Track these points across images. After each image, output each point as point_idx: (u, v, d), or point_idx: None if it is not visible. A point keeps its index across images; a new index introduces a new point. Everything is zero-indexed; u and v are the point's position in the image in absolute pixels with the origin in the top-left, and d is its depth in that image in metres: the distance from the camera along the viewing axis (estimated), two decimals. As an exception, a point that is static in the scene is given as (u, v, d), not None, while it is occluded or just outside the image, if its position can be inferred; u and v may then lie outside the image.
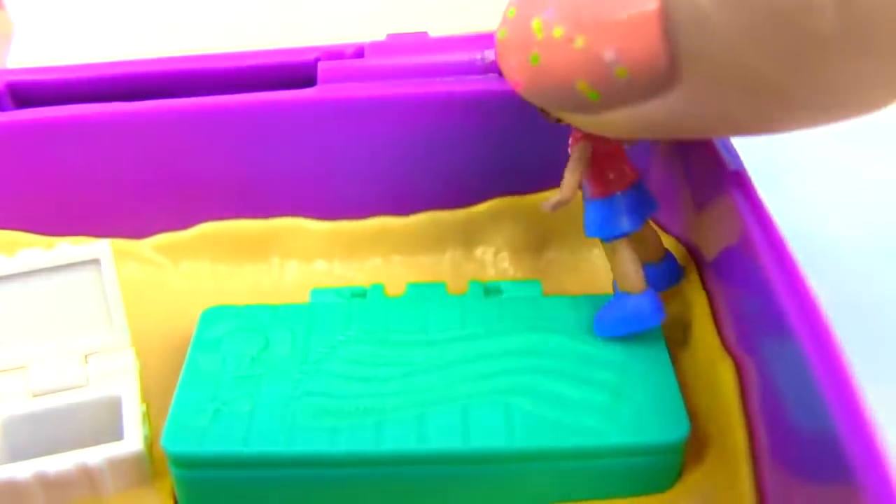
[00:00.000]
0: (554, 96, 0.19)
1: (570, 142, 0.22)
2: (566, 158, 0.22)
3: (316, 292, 0.25)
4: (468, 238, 0.28)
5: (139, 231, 0.27)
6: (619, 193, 0.22)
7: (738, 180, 0.22)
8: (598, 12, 0.17)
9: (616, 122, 0.19)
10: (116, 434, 0.23)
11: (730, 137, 0.23)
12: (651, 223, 0.24)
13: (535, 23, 0.18)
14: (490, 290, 0.25)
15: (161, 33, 0.33)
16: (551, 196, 0.23)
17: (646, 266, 0.23)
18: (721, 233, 0.23)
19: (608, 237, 0.22)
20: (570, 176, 0.22)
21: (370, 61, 0.26)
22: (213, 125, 0.26)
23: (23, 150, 0.27)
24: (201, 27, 0.33)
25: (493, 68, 0.26)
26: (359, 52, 0.26)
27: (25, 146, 0.27)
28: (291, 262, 0.28)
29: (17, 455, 0.22)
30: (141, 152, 0.27)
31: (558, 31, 0.18)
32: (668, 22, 0.16)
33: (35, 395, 0.23)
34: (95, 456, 0.22)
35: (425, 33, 0.27)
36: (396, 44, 0.26)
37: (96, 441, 0.23)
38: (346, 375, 0.22)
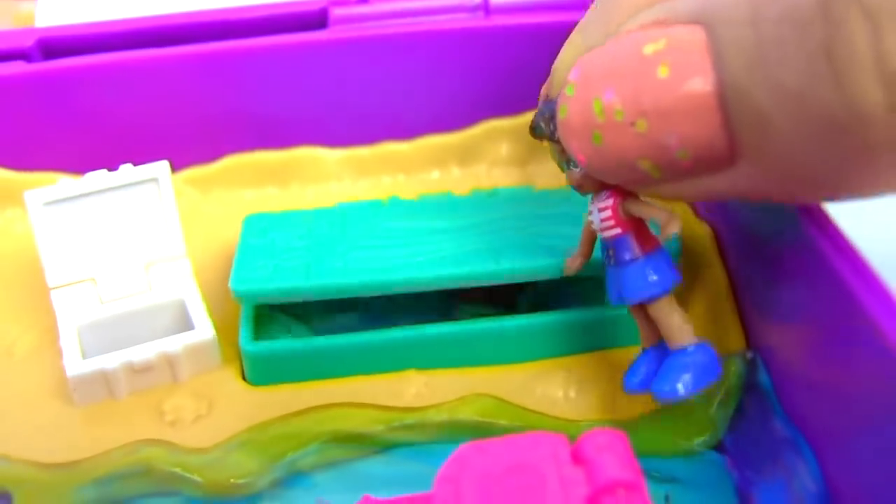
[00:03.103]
0: (617, 173, 0.19)
1: (601, 206, 0.21)
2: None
3: (342, 205, 0.29)
4: (464, 156, 0.31)
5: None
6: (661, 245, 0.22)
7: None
8: (658, 99, 0.18)
9: (676, 191, 0.19)
10: (179, 332, 0.26)
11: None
12: None
13: (596, 104, 0.19)
14: (491, 194, 0.29)
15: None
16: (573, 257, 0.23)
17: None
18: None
19: (662, 291, 0.21)
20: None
21: (374, 6, 0.30)
22: (234, 66, 0.30)
23: (59, 97, 0.29)
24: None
25: (481, 8, 0.30)
26: (362, -1, 0.30)
27: (62, 92, 0.29)
28: (310, 186, 0.31)
29: (92, 356, 0.25)
30: (168, 94, 0.30)
31: (619, 115, 0.18)
32: (728, 113, 0.17)
33: (104, 303, 0.26)
34: (174, 344, 0.25)
35: (421, -20, 0.31)
36: (396, -11, 0.30)
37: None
38: (386, 237, 0.26)
